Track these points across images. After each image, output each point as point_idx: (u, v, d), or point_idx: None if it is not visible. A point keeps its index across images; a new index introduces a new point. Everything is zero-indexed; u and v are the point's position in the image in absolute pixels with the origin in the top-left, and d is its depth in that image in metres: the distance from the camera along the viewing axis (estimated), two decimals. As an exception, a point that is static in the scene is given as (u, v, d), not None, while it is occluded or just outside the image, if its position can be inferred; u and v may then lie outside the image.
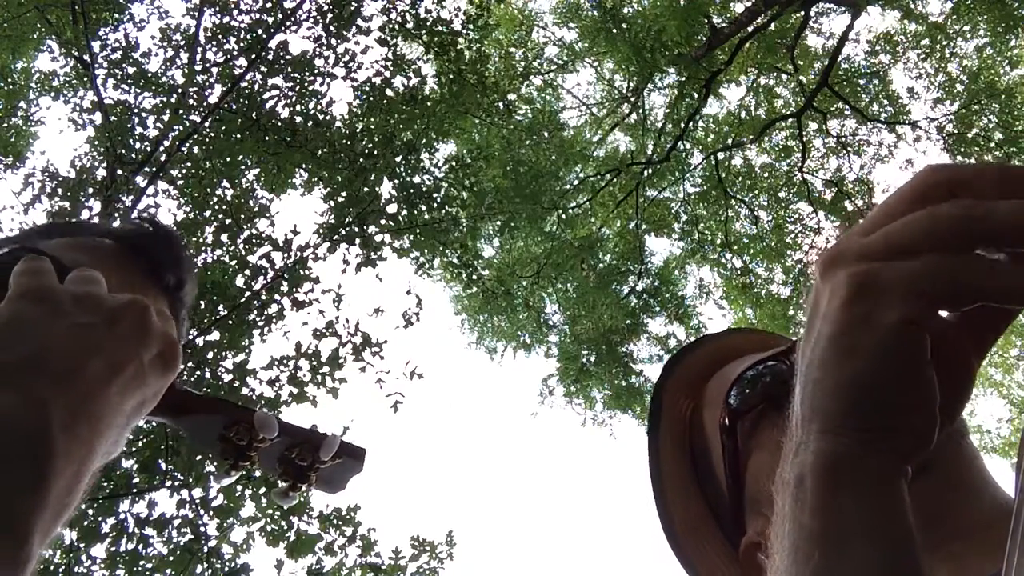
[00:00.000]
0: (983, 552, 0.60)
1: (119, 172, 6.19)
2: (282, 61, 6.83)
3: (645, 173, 10.67)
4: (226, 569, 5.24)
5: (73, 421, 0.54)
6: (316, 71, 7.00)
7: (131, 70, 6.80)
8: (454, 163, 8.13)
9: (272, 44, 6.82)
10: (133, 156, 6.36)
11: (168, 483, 5.29)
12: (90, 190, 6.24)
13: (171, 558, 5.14)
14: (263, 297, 6.06)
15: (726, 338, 0.93)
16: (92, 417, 0.56)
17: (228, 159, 6.61)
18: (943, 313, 0.44)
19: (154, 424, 5.46)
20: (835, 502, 0.40)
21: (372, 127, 7.44)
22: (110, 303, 0.61)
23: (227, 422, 0.73)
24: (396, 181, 7.14)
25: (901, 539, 0.39)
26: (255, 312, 6.01)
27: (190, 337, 5.62)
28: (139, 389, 0.61)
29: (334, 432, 0.76)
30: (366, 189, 6.76)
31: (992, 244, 0.38)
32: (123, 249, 0.82)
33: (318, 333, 6.05)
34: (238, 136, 6.53)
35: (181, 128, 6.36)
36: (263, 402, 5.67)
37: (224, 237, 6.24)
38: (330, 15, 7.02)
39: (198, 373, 5.63)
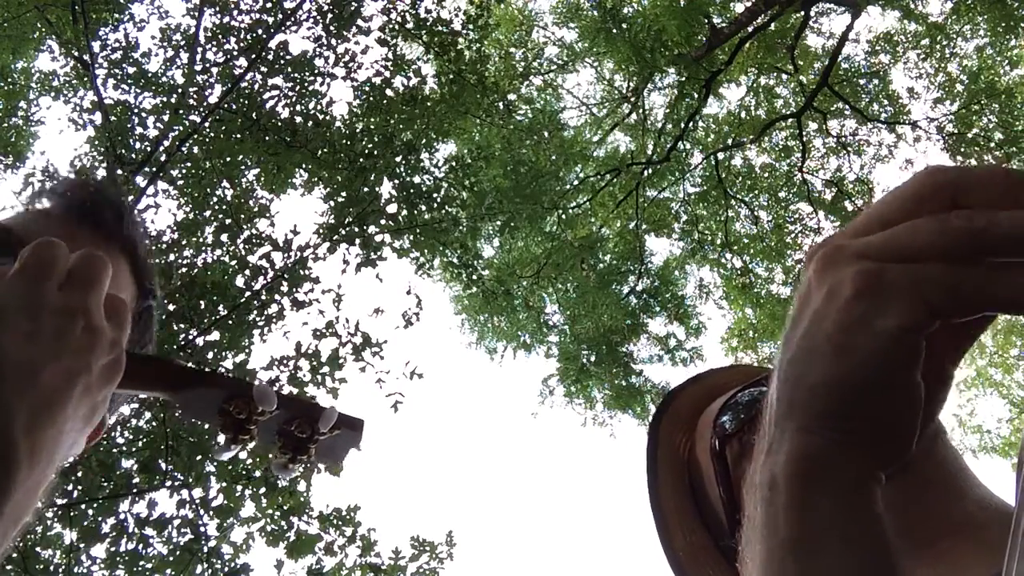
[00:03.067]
0: (976, 552, 0.60)
1: (119, 172, 6.19)
2: (282, 61, 6.83)
3: (645, 173, 10.67)
4: (226, 569, 5.24)
5: (34, 424, 0.52)
6: (316, 71, 7.00)
7: (131, 70, 6.80)
8: (454, 163, 8.13)
9: (272, 44, 6.82)
10: (133, 156, 6.36)
11: (168, 483, 5.29)
12: (90, 190, 6.23)
13: (171, 558, 5.13)
14: (263, 297, 6.06)
15: (715, 376, 0.94)
16: (55, 421, 0.54)
17: (228, 159, 6.61)
18: None
19: (154, 424, 5.46)
20: (809, 506, 0.39)
21: (372, 127, 7.43)
22: (55, 306, 0.58)
23: (226, 396, 0.72)
24: (396, 181, 7.14)
25: (877, 545, 0.39)
26: (255, 312, 6.00)
27: (190, 337, 5.63)
28: (90, 397, 0.59)
29: (332, 404, 0.76)
30: (366, 189, 6.76)
31: (997, 255, 0.38)
32: (70, 214, 0.81)
33: (318, 333, 6.05)
34: (238, 136, 6.53)
35: (181, 128, 6.35)
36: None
37: (224, 237, 6.24)
38: (330, 15, 7.02)
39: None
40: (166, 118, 6.41)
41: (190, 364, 0.75)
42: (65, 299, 0.59)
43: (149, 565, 5.13)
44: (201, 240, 6.23)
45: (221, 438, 0.73)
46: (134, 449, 5.37)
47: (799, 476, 0.40)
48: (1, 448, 0.50)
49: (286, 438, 0.74)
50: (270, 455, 0.76)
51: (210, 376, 0.74)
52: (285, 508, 5.56)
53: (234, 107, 6.61)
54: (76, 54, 7.04)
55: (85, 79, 7.07)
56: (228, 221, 6.28)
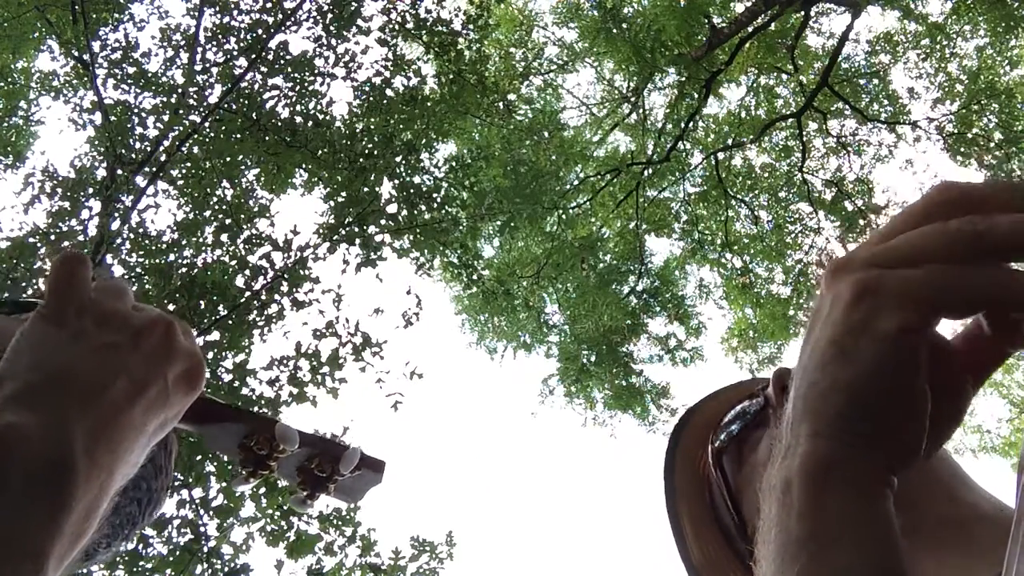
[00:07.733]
0: (964, 553, 0.60)
1: (119, 172, 6.19)
2: (282, 61, 6.83)
3: (645, 173, 10.67)
4: (226, 569, 5.24)
5: (95, 445, 0.53)
6: (316, 71, 7.00)
7: (131, 70, 6.80)
8: (454, 163, 8.14)
9: (272, 44, 6.82)
10: (133, 156, 6.36)
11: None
12: (90, 190, 6.24)
13: (171, 558, 5.13)
14: (263, 297, 6.06)
15: (731, 392, 0.95)
16: (113, 440, 0.55)
17: (228, 159, 6.60)
18: (949, 337, 0.44)
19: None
20: (821, 506, 0.40)
21: (372, 127, 7.43)
22: (135, 320, 0.59)
23: (248, 431, 0.72)
24: (396, 181, 7.13)
25: (887, 545, 0.39)
26: (255, 312, 6.00)
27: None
28: (163, 409, 0.59)
29: (355, 445, 0.75)
30: (366, 189, 6.76)
31: (996, 256, 0.38)
32: None
33: (318, 333, 6.05)
34: (238, 136, 6.52)
35: (181, 128, 6.35)
36: (267, 405, 5.67)
37: (224, 237, 6.24)
38: (330, 15, 7.02)
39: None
40: (166, 118, 6.40)
41: (214, 398, 0.74)
42: (147, 313, 0.61)
43: (149, 565, 5.13)
44: (201, 240, 6.23)
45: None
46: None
47: (812, 479, 0.41)
48: (60, 469, 0.50)
49: (306, 475, 0.74)
50: (290, 490, 0.75)
51: (234, 411, 0.74)
52: (285, 508, 5.56)
53: (234, 107, 6.61)
54: (76, 54, 7.04)
55: (85, 79, 7.06)
56: (228, 221, 6.28)
